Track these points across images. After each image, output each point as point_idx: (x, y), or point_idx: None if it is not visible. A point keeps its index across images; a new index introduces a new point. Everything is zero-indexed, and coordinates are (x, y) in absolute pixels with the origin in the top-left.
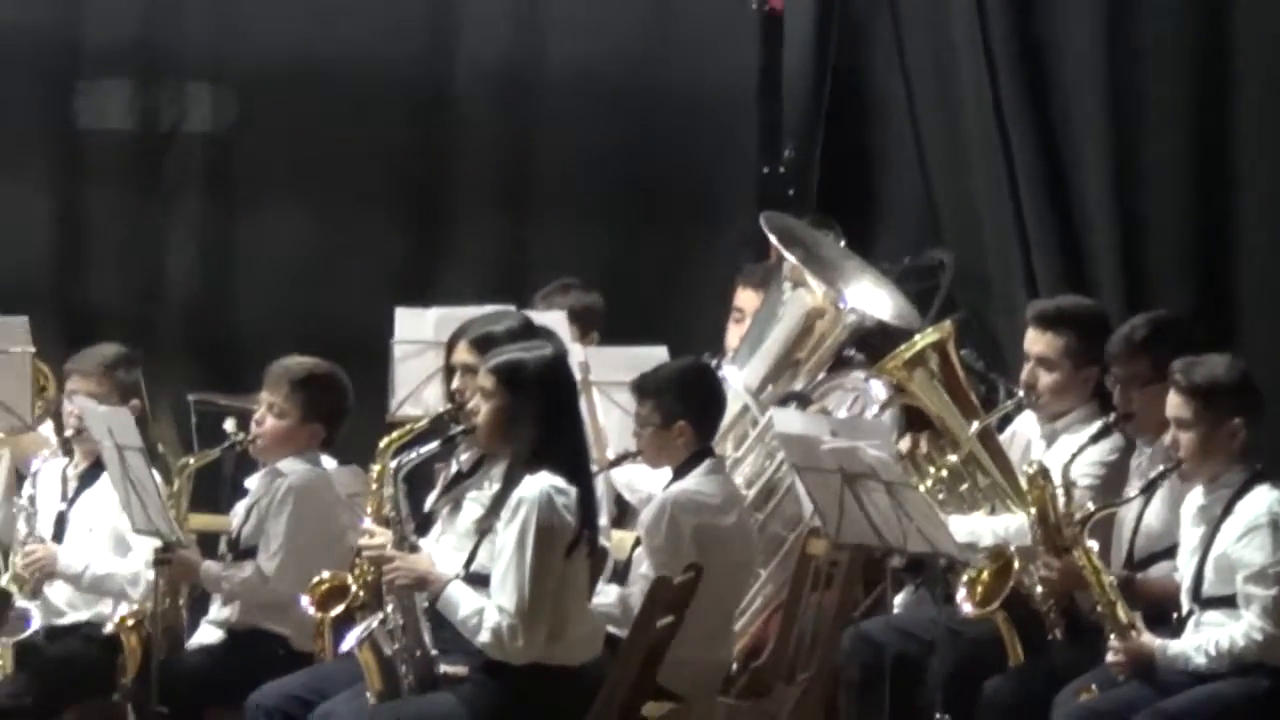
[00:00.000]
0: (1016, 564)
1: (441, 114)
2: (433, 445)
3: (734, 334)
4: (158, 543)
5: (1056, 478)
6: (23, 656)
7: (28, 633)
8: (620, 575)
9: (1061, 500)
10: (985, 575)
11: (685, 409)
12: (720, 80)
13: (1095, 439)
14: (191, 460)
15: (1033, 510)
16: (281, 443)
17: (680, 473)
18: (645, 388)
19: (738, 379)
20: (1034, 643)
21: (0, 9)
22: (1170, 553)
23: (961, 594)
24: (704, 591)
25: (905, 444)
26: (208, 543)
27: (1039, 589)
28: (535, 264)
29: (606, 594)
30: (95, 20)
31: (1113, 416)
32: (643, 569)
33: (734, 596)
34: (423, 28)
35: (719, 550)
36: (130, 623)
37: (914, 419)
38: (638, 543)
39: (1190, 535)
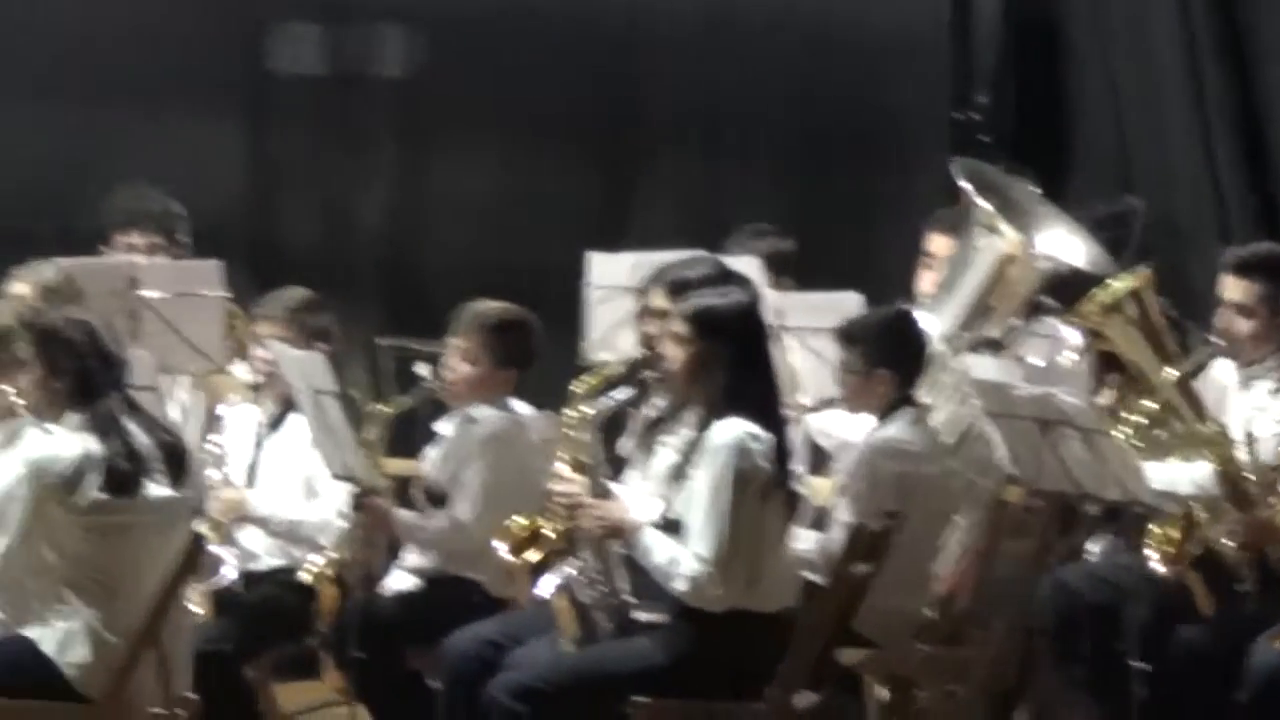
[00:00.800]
0: (1201, 520)
1: (634, 56)
2: (626, 391)
3: (925, 280)
4: (348, 489)
5: (1241, 430)
6: (221, 602)
7: (222, 578)
8: (818, 522)
9: (1246, 455)
10: (1172, 532)
11: (889, 357)
12: (914, 24)
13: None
14: (386, 407)
15: (1217, 469)
16: (473, 388)
17: (882, 420)
18: (850, 334)
19: (931, 325)
20: (1227, 592)
21: None
22: None
23: (1152, 555)
24: (903, 539)
25: (1106, 397)
26: (401, 488)
27: (1229, 543)
28: (729, 208)
29: (805, 540)
30: None
31: None
32: (843, 516)
33: (932, 545)
34: None
35: (919, 499)
36: (327, 569)
37: (1108, 365)
38: (838, 490)
39: None
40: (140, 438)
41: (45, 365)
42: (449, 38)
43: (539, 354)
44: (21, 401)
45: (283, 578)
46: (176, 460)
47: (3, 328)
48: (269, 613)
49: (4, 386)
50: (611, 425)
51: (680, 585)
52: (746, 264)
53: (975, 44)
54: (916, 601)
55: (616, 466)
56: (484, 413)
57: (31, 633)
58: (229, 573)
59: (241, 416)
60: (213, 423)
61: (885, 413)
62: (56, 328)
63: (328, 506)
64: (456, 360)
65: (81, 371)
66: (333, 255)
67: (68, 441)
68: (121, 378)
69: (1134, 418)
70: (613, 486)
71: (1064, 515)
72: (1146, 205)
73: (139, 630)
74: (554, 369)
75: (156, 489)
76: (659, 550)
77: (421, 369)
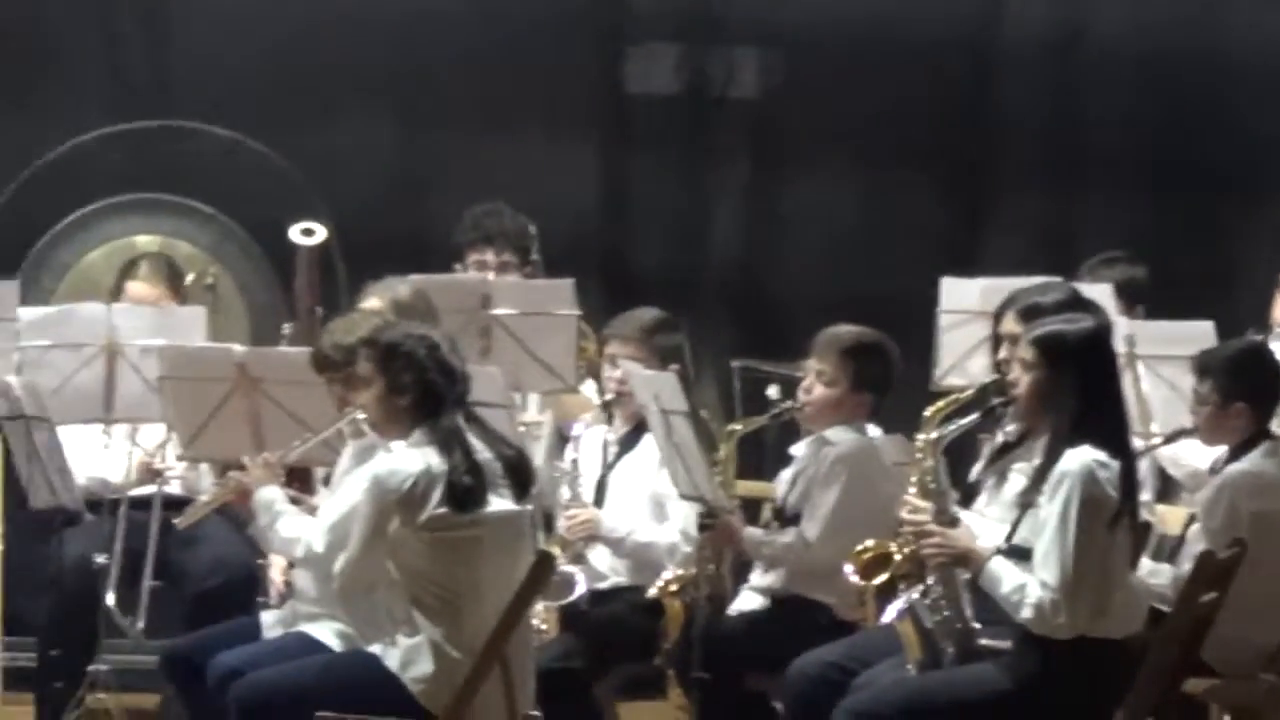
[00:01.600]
0: None
1: (990, 80)
2: (973, 417)
3: (1279, 309)
4: (696, 510)
5: None
6: (568, 620)
7: (574, 597)
8: (1169, 552)
9: None
10: None
11: (1244, 390)
12: (1270, 53)
13: None
14: (740, 426)
15: None
16: (830, 411)
17: (1237, 453)
18: (1205, 366)
19: None
20: None
21: None
22: None
23: None
24: (1258, 572)
25: None
26: (750, 509)
27: None
28: (1081, 235)
29: (1160, 574)
30: None
31: None
32: (1198, 548)
33: None
34: None
35: (1276, 532)
36: (673, 588)
37: None
38: (1190, 520)
39: None
40: (483, 452)
41: (386, 380)
42: (805, 60)
43: (896, 378)
44: (363, 417)
45: (629, 597)
46: (521, 475)
47: (350, 343)
48: (615, 632)
49: (362, 404)
50: (966, 450)
51: (1026, 613)
52: (1099, 291)
53: None
54: (1265, 632)
55: (969, 492)
56: (839, 435)
57: (376, 648)
58: (576, 591)
59: (592, 436)
60: (561, 441)
61: (1240, 445)
62: (397, 343)
63: (676, 528)
64: (814, 382)
65: (423, 386)
66: (685, 275)
67: (409, 456)
68: (464, 392)
69: None
70: (960, 513)
71: None
72: None
73: (485, 646)
74: (905, 393)
75: (500, 503)
76: (1006, 579)
77: (772, 391)
